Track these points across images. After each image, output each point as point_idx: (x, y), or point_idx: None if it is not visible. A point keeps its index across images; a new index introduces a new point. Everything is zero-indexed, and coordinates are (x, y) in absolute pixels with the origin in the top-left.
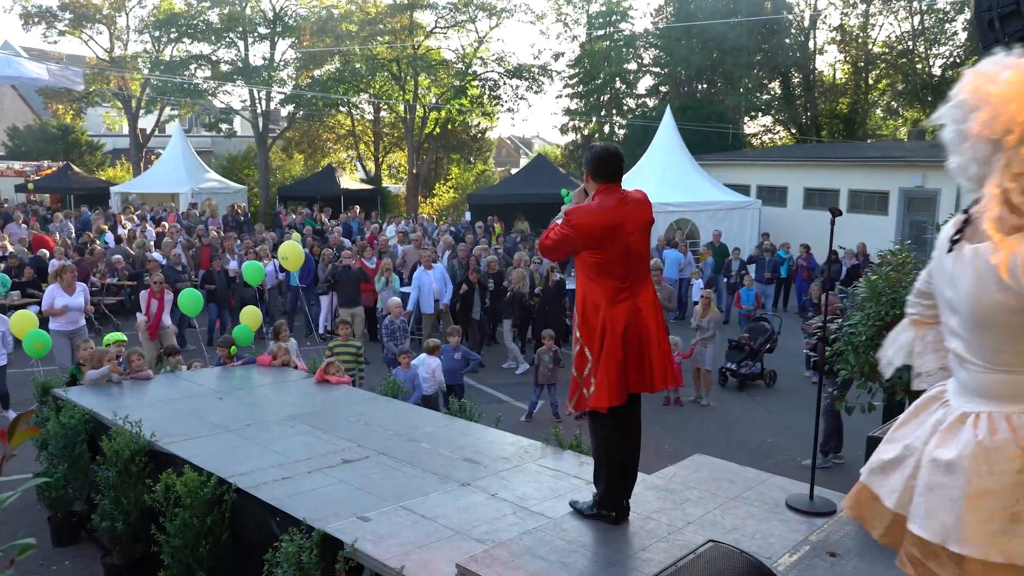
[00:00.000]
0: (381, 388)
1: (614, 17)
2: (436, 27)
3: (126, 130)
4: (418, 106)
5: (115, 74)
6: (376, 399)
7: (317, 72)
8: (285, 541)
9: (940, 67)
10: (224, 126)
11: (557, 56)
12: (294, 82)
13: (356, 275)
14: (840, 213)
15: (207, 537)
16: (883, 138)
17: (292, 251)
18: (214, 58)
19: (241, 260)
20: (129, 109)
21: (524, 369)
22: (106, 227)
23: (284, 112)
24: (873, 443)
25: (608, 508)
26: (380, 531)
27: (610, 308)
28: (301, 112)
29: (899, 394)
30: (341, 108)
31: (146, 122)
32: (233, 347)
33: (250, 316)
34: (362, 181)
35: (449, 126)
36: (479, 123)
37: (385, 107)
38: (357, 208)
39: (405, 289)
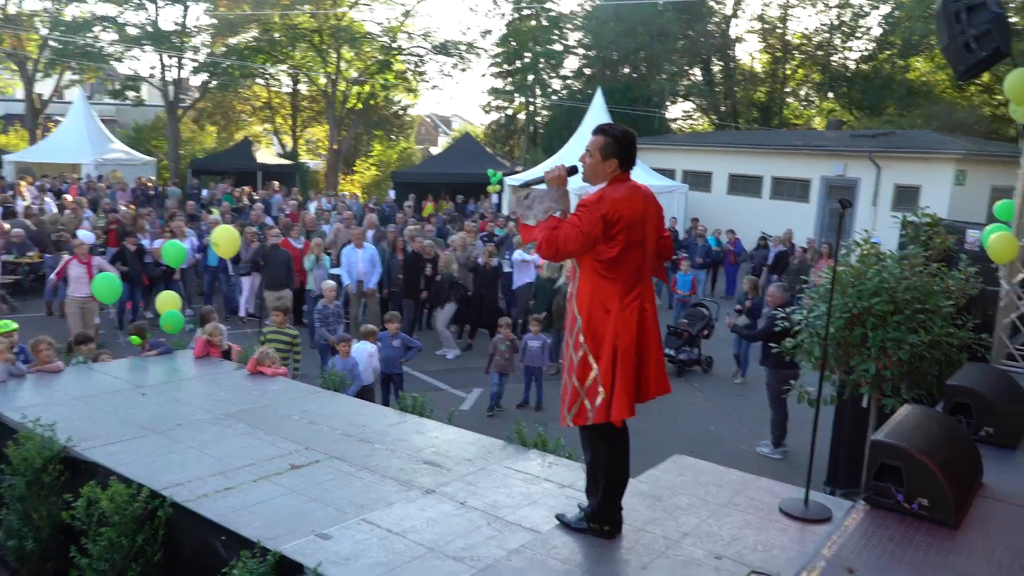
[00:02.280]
0: (322, 380)
1: None
2: None
3: (21, 94)
4: (340, 80)
5: (8, 31)
6: (319, 394)
7: (233, 40)
8: (237, 568)
9: (854, 60)
10: (131, 94)
11: (485, 33)
12: (208, 50)
13: (285, 256)
14: (849, 205)
15: (137, 559)
16: (797, 127)
17: (225, 236)
18: (121, 20)
19: (155, 238)
20: (24, 72)
21: (455, 355)
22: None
23: (196, 81)
24: (878, 448)
25: (602, 522)
26: (344, 551)
27: (622, 312)
28: (215, 82)
29: (863, 387)
30: (258, 79)
31: (44, 87)
32: (135, 336)
33: (169, 300)
34: (279, 156)
35: (372, 102)
36: (402, 100)
37: (304, 80)
38: (276, 184)
39: (335, 271)
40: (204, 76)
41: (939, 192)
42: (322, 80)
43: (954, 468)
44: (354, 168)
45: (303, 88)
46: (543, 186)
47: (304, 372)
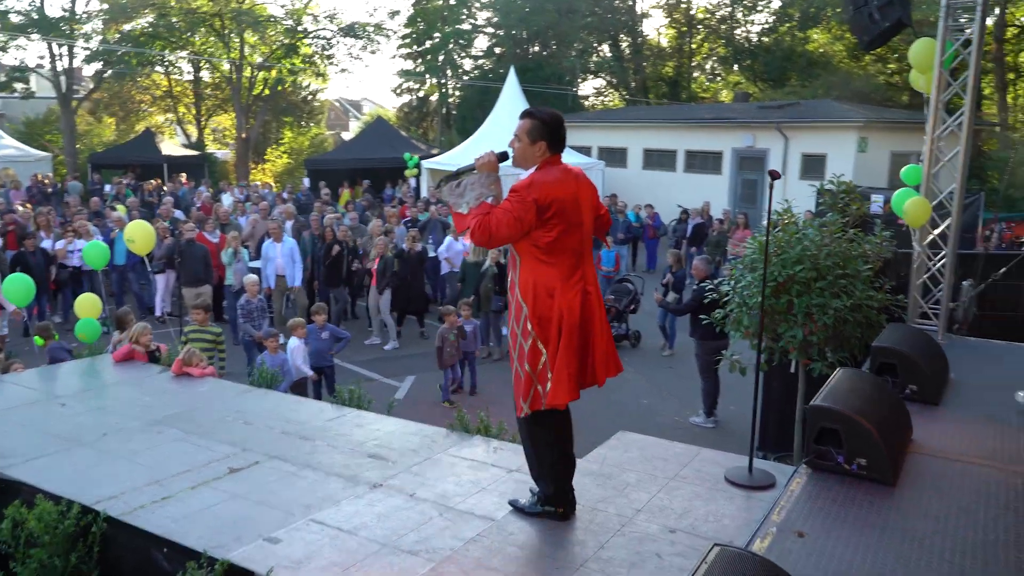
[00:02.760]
0: (253, 378)
1: None
2: None
3: None
4: (245, 65)
5: None
6: (251, 392)
7: (128, 26)
8: None
9: (756, 34)
10: (19, 86)
11: (393, 14)
12: (101, 37)
13: (202, 251)
14: (779, 176)
15: None
16: (705, 100)
17: (140, 232)
18: (3, 7)
19: (57, 238)
20: None
21: (394, 347)
22: None
23: (90, 71)
24: (817, 413)
25: (555, 503)
26: (295, 554)
27: (565, 293)
28: (110, 71)
29: (792, 353)
30: (157, 67)
31: None
32: (38, 337)
33: (88, 305)
34: (185, 147)
35: (279, 87)
36: (310, 84)
37: (207, 66)
38: (183, 176)
39: (255, 264)
40: (98, 65)
41: (844, 159)
42: (225, 66)
43: (888, 427)
44: (265, 157)
45: (206, 75)
46: (475, 174)
47: (230, 370)
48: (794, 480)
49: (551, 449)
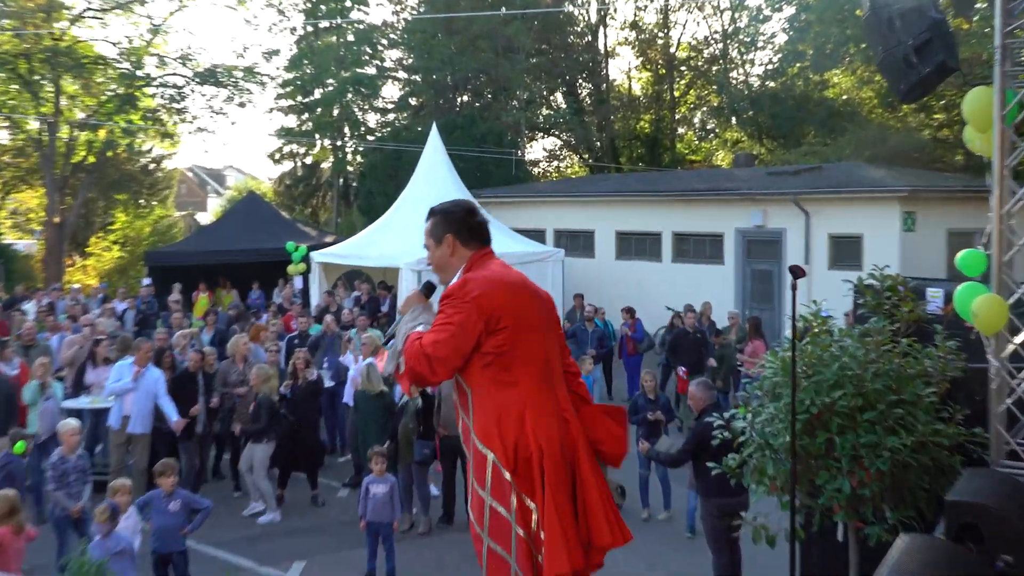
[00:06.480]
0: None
1: (345, 3)
2: (89, 8)
3: None
4: (61, 123)
5: None
6: None
7: None
8: None
9: (758, 77)
10: None
11: (270, 55)
12: None
13: (4, 387)
14: (803, 274)
15: None
16: (695, 165)
17: None
18: None
19: None
20: None
21: (272, 519)
22: None
23: None
24: None
25: None
26: None
27: (539, 419)
28: None
29: (837, 513)
30: None
31: None
32: None
33: None
34: None
35: (109, 153)
36: (153, 149)
37: (6, 124)
38: None
39: (71, 403)
40: None
41: (885, 241)
42: (33, 124)
43: None
44: (87, 249)
45: (3, 136)
46: (402, 319)
47: (34, 563)
48: None
49: None
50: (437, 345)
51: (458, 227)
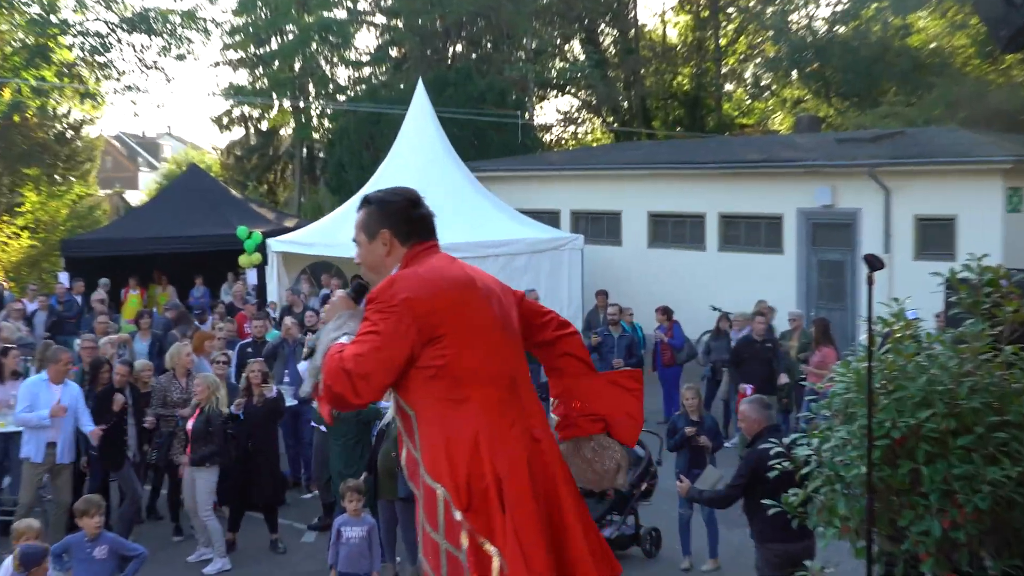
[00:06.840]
0: None
1: None
2: None
3: None
4: None
5: None
6: None
7: None
8: None
9: (824, 20)
10: None
11: None
12: None
13: None
14: (881, 265)
15: None
16: (746, 131)
17: None
18: None
19: None
20: None
21: (221, 568)
22: None
23: None
24: None
25: None
26: None
27: (499, 441)
28: None
29: (925, 561)
30: None
31: None
32: None
33: None
34: None
35: (16, 117)
36: (71, 112)
37: None
38: None
39: None
40: None
41: (985, 225)
42: None
43: None
44: None
45: None
46: (325, 327)
47: None
48: None
49: None
50: (359, 359)
51: (396, 221)
